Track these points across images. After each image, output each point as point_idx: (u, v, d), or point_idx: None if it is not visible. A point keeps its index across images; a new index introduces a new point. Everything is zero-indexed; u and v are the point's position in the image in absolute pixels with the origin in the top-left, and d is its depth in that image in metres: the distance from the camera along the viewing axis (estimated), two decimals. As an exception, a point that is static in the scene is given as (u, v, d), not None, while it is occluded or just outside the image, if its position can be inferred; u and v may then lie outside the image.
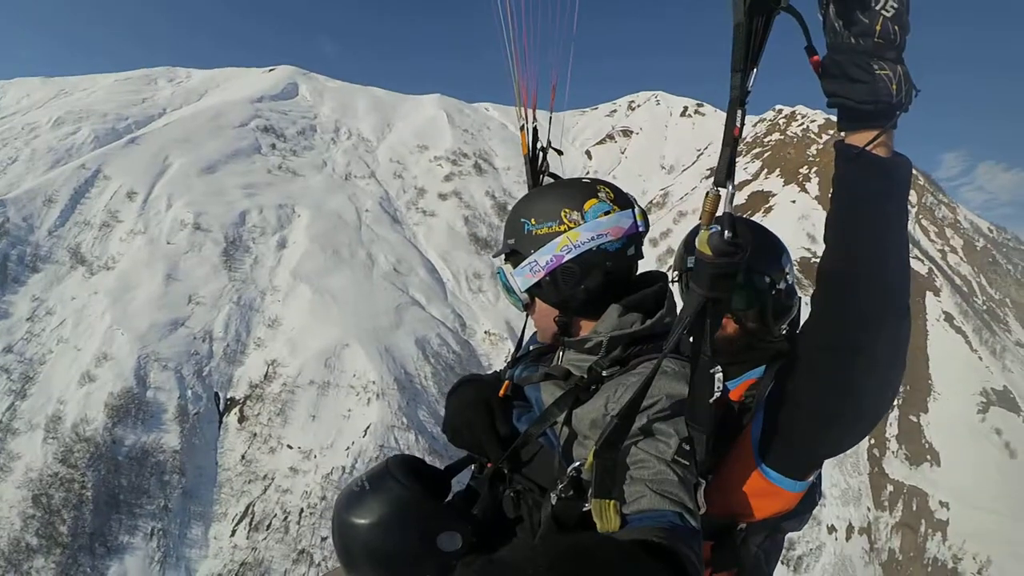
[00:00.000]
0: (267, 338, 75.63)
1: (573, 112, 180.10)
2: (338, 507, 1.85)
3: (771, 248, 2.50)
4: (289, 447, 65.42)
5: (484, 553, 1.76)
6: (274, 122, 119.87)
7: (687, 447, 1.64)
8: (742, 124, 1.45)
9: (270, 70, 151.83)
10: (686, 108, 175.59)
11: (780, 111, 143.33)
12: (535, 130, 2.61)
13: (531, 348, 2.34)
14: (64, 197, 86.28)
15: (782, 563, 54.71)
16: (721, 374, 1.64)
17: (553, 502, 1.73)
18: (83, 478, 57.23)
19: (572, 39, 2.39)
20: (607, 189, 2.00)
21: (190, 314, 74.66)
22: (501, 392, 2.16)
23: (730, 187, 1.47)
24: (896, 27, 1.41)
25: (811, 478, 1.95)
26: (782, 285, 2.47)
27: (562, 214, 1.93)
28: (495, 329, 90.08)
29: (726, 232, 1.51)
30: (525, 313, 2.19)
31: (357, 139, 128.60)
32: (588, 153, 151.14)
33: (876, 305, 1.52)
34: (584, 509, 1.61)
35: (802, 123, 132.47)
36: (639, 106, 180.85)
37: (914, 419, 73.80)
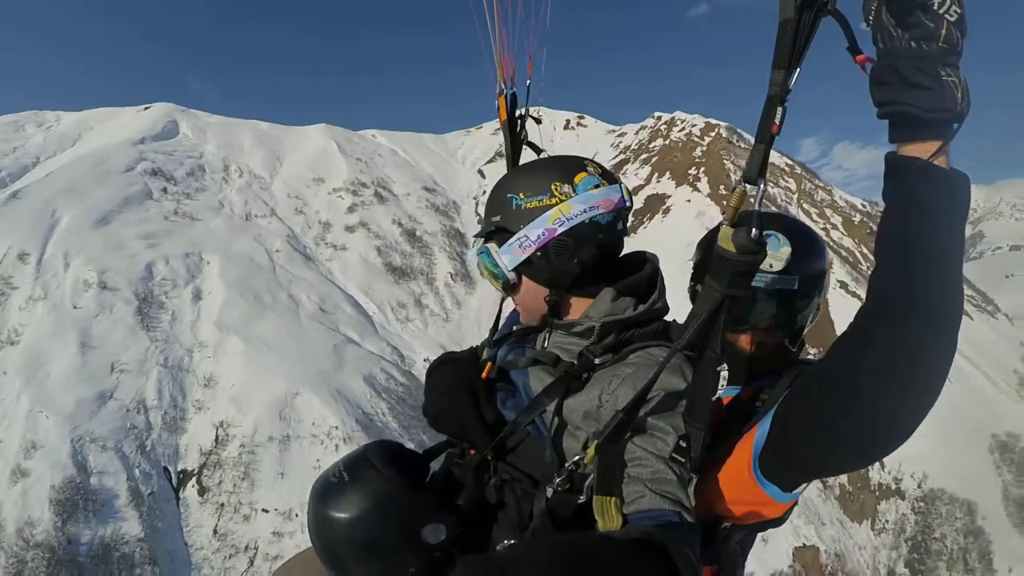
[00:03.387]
0: (207, 399, 70.49)
1: (458, 133, 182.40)
2: (315, 498, 1.71)
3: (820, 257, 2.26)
4: (264, 511, 61.31)
5: (468, 543, 1.73)
6: (161, 164, 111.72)
7: (684, 444, 1.62)
8: (781, 122, 1.39)
9: (145, 108, 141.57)
10: (568, 121, 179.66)
11: (659, 118, 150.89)
12: (514, 95, 2.43)
13: (513, 328, 2.18)
14: (-53, 264, 76.99)
15: None
16: (726, 372, 1.63)
17: (548, 495, 1.67)
18: (46, 590, 50.78)
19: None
20: (593, 164, 1.93)
21: (116, 384, 68.25)
22: (484, 374, 2.04)
23: (762, 184, 1.43)
24: (958, 33, 1.32)
25: (802, 489, 1.84)
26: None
27: (552, 187, 1.84)
28: (433, 355, 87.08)
29: (754, 230, 1.46)
30: (504, 295, 2.02)
31: (249, 176, 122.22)
32: (481, 172, 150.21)
33: (942, 331, 1.40)
34: (579, 503, 1.63)
35: (683, 127, 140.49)
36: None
37: None
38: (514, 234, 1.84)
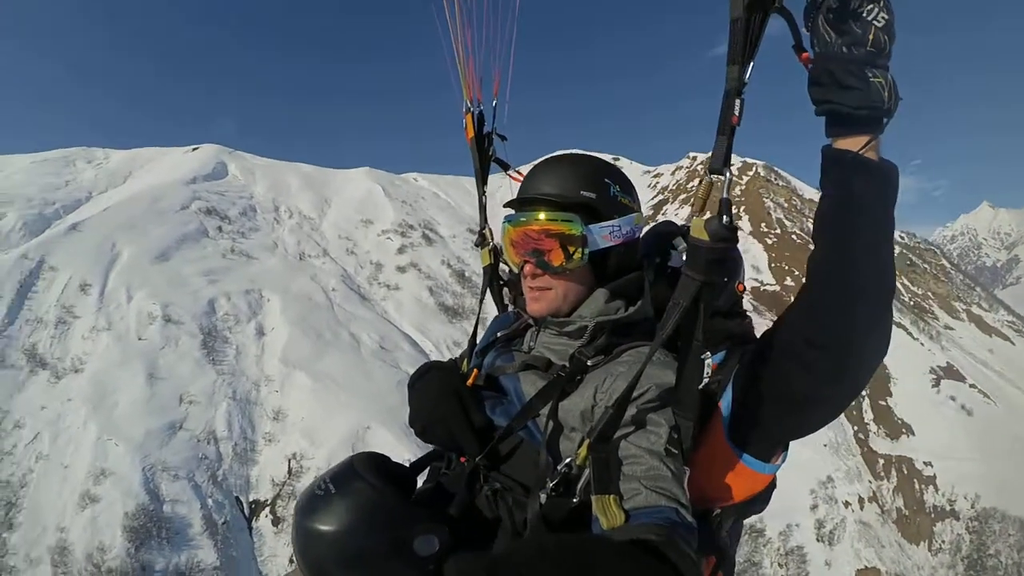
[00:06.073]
0: (277, 432, 70.39)
1: (496, 176, 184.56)
2: (300, 513, 1.65)
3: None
4: (340, 541, 61.41)
5: (462, 554, 1.66)
6: (214, 203, 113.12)
7: (676, 436, 1.65)
8: (740, 114, 1.47)
9: (193, 149, 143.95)
10: None
11: (695, 158, 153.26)
12: (480, 114, 2.56)
13: (498, 334, 2.19)
14: (9, 291, 77.54)
15: (818, 541, 72.62)
16: (711, 360, 1.72)
17: (542, 500, 1.65)
18: (118, 616, 49.77)
19: (514, 20, 2.37)
20: None
21: (186, 415, 68.12)
22: (470, 381, 2.03)
23: (727, 173, 1.50)
24: (886, 37, 1.44)
25: (780, 460, 1.87)
26: None
27: (634, 193, 2.00)
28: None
29: (724, 217, 1.52)
30: (518, 278, 2.03)
31: (300, 217, 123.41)
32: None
33: (870, 305, 1.52)
34: (573, 505, 1.62)
35: None
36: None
37: (883, 403, 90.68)
38: (607, 220, 1.89)
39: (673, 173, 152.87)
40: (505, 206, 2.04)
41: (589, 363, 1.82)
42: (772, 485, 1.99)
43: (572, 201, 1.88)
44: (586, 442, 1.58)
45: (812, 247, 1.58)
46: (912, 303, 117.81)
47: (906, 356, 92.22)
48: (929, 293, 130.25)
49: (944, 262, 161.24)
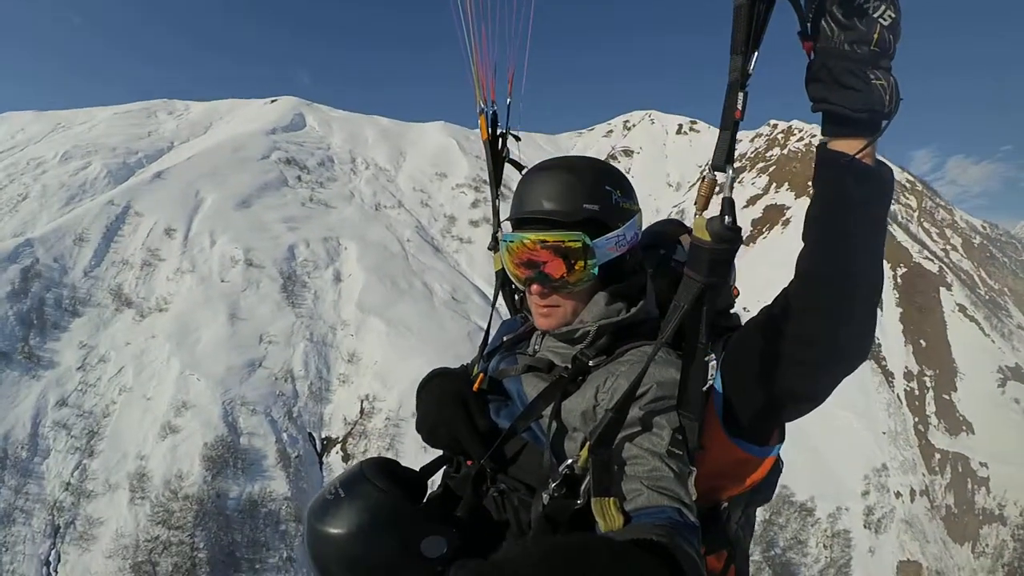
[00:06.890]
0: (351, 373, 71.70)
1: (570, 134, 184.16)
2: (311, 517, 1.68)
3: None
4: (407, 479, 63.90)
5: (470, 556, 1.64)
6: (293, 154, 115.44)
7: (680, 437, 1.63)
8: (743, 107, 1.39)
9: (272, 101, 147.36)
10: (680, 126, 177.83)
11: (776, 126, 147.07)
12: (495, 114, 2.55)
13: (504, 339, 2.19)
14: (96, 235, 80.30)
15: (865, 527, 72.77)
16: (715, 361, 1.75)
17: (545, 501, 1.62)
18: (192, 539, 51.74)
19: (529, 23, 2.34)
20: None
21: (265, 354, 69.93)
22: (476, 386, 1.99)
23: (729, 171, 1.43)
24: (891, 36, 1.37)
25: (777, 443, 1.86)
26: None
27: (633, 194, 1.90)
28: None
29: (726, 217, 1.45)
30: (524, 291, 1.99)
31: (376, 169, 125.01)
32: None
33: (859, 305, 1.52)
34: (577, 507, 1.59)
35: (801, 137, 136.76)
36: (634, 126, 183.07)
37: (947, 397, 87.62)
38: (612, 230, 1.80)
39: (752, 140, 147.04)
40: (503, 221, 1.99)
41: (591, 363, 1.80)
42: (775, 471, 1.98)
43: (575, 219, 1.78)
44: (587, 444, 1.54)
45: (802, 245, 1.55)
46: (987, 297, 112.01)
47: (975, 352, 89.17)
48: (1005, 289, 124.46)
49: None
